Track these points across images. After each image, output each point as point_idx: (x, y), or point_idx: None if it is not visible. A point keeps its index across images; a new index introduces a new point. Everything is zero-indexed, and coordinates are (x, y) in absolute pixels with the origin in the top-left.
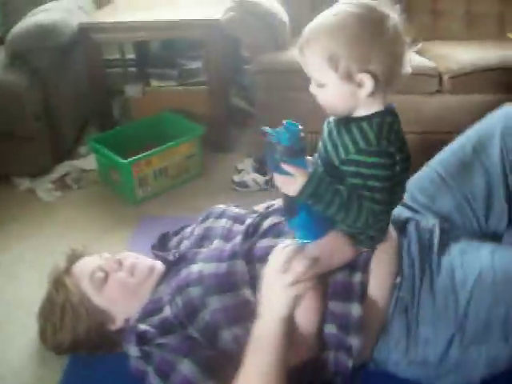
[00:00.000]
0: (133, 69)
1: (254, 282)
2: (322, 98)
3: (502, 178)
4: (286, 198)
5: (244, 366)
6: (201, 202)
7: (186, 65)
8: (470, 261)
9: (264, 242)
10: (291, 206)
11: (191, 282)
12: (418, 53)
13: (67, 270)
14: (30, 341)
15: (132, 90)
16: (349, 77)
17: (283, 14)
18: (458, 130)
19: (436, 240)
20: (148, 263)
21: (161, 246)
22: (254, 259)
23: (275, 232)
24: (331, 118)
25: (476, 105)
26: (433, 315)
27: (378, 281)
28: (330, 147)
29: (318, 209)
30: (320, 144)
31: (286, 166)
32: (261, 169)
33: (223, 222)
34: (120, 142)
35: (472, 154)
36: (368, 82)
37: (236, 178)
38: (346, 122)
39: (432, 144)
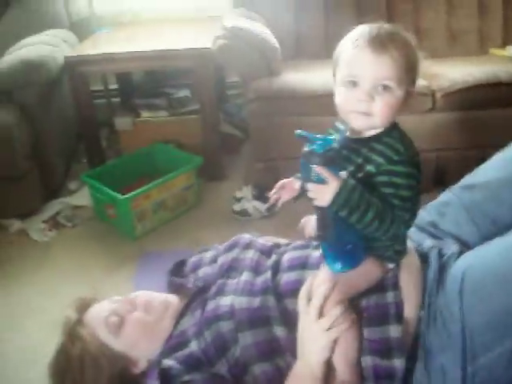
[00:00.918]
0: (116, 99)
1: (283, 318)
2: (382, 102)
3: None
4: (320, 213)
5: None
6: (202, 233)
7: (174, 94)
8: (454, 269)
9: (291, 276)
10: (325, 223)
11: (222, 315)
12: None
13: (79, 321)
14: None
15: (121, 123)
16: (409, 92)
17: (273, 40)
18: (453, 146)
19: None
20: (162, 298)
21: (177, 271)
22: (282, 294)
23: (301, 265)
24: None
25: (469, 121)
26: (439, 341)
27: (408, 301)
28: (350, 167)
29: (351, 222)
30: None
31: (320, 170)
32: (261, 196)
33: (251, 253)
34: (113, 176)
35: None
36: (411, 99)
37: (236, 207)
38: (363, 142)
39: (428, 162)
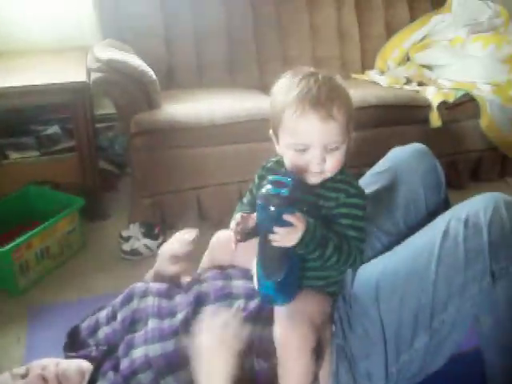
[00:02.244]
0: None
1: None
2: (333, 162)
3: (404, 212)
4: (274, 254)
5: None
6: (92, 279)
7: (42, 131)
8: (365, 278)
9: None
10: (277, 263)
11: (138, 368)
12: None
13: None
14: None
15: None
16: (351, 137)
17: (151, 72)
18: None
19: (348, 280)
20: (75, 368)
21: (73, 342)
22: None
23: (227, 295)
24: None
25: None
26: (361, 347)
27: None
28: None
29: (314, 257)
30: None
31: (287, 217)
32: (150, 233)
33: (150, 300)
34: None
35: (374, 195)
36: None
37: (126, 247)
38: (321, 185)
39: None
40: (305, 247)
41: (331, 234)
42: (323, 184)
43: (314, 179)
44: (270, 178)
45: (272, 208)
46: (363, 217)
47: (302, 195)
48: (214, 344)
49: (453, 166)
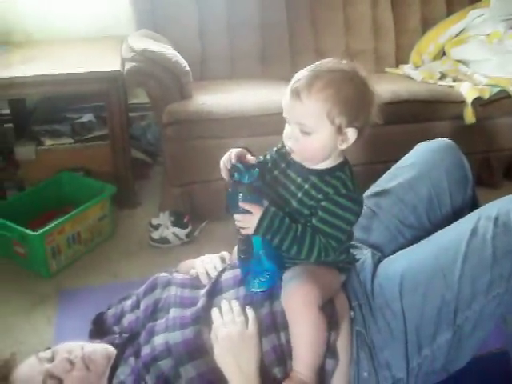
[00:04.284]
0: (9, 125)
1: None
2: (302, 145)
3: (428, 206)
4: (243, 240)
5: None
6: (120, 265)
7: (76, 119)
8: (391, 271)
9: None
10: (247, 249)
11: (159, 355)
12: None
13: None
14: None
15: (23, 152)
16: (339, 130)
17: (185, 63)
18: (360, 161)
19: (368, 269)
20: (101, 351)
21: (98, 329)
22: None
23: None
24: (289, 170)
25: (374, 137)
26: (382, 339)
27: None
28: (295, 190)
29: (273, 250)
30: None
31: (243, 205)
32: (179, 222)
33: (173, 290)
34: (16, 211)
35: (398, 189)
36: (353, 136)
37: (155, 235)
38: (317, 173)
39: None
40: (262, 234)
41: (297, 226)
42: (320, 174)
43: (293, 156)
44: (238, 165)
45: (239, 194)
46: (347, 219)
47: (294, 176)
48: (234, 334)
49: (486, 163)
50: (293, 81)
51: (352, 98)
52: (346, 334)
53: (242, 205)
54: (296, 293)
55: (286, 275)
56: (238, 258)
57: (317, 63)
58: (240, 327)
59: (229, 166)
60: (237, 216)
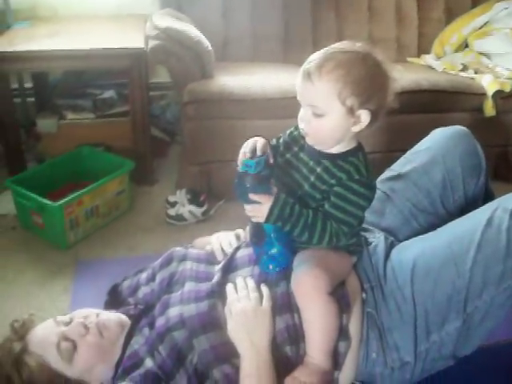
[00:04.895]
0: (31, 99)
1: None
2: (314, 127)
3: (442, 192)
4: (255, 225)
5: None
6: (136, 239)
7: (98, 95)
8: (404, 257)
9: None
10: (259, 234)
11: (173, 326)
12: None
13: (23, 348)
14: None
15: (45, 124)
16: (351, 112)
17: (207, 42)
18: (377, 149)
19: (381, 253)
20: (115, 319)
21: (113, 300)
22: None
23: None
24: (302, 154)
25: (393, 125)
26: (392, 321)
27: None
28: (308, 174)
29: (285, 233)
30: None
31: (252, 196)
32: (195, 200)
33: (188, 264)
34: (36, 182)
35: (412, 173)
36: (366, 119)
37: (171, 212)
38: (330, 157)
39: None
40: (273, 222)
41: (308, 212)
42: (333, 159)
43: (306, 139)
44: (244, 159)
45: (247, 185)
46: (360, 204)
47: (307, 159)
48: (248, 310)
49: (504, 157)
50: (305, 63)
51: (363, 78)
52: (357, 316)
53: (251, 196)
54: (305, 279)
55: (296, 260)
56: (250, 241)
57: (330, 46)
58: (254, 303)
59: (248, 155)
60: (247, 206)
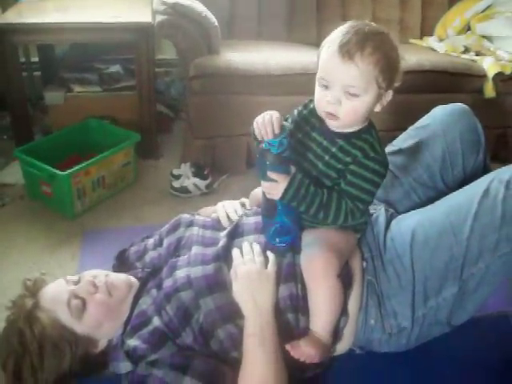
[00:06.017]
0: (37, 73)
1: None
2: (347, 109)
3: (442, 166)
4: (268, 200)
5: (248, 362)
6: (142, 210)
7: (104, 69)
8: (404, 226)
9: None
10: (270, 208)
11: (180, 286)
12: None
13: (35, 304)
14: None
15: (52, 97)
16: (382, 93)
17: (214, 19)
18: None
19: (381, 224)
20: (124, 279)
21: (121, 264)
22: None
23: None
24: (315, 133)
25: (397, 104)
26: (390, 288)
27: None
28: (322, 153)
29: (296, 213)
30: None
31: (270, 174)
32: (199, 173)
33: (195, 230)
34: (43, 153)
35: (413, 148)
36: (388, 99)
37: (176, 184)
38: (341, 135)
39: None
40: (288, 202)
41: (323, 191)
42: (347, 137)
43: (331, 123)
44: (266, 139)
45: (267, 162)
46: (375, 182)
47: (320, 140)
48: (253, 272)
49: (503, 138)
50: (338, 43)
51: (394, 61)
52: (357, 286)
53: (269, 174)
54: (316, 262)
55: (305, 239)
56: (261, 215)
57: (351, 24)
58: (259, 266)
59: (263, 130)
60: (264, 183)
